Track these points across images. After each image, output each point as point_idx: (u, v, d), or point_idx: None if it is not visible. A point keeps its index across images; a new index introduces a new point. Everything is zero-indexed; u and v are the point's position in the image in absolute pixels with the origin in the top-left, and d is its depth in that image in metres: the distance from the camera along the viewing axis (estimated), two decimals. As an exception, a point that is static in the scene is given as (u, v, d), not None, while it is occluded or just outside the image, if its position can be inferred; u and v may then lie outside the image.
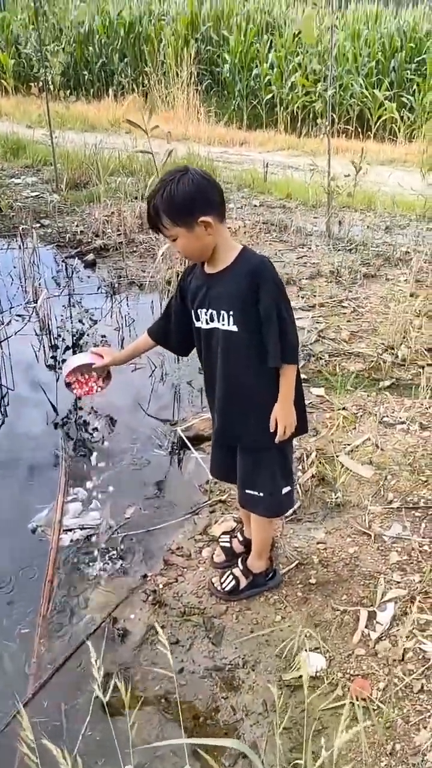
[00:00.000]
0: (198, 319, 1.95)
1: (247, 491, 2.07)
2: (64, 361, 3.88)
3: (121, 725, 1.76)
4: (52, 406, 3.43)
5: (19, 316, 4.47)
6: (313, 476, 2.73)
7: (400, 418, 3.12)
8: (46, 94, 7.29)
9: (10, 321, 4.37)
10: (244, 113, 12.84)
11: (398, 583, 2.19)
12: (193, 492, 2.76)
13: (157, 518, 2.60)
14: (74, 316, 4.55)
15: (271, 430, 1.93)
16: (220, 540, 2.37)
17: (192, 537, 2.48)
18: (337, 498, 2.60)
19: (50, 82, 7.23)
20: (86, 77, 14.55)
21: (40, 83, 7.43)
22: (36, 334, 4.24)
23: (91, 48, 14.54)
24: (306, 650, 1.98)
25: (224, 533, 2.41)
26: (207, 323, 1.93)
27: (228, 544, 2.33)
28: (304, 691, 1.44)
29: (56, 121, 8.20)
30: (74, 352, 3.98)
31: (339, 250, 5.49)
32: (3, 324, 4.29)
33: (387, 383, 3.48)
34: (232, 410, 2.00)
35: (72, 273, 5.27)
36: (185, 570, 2.32)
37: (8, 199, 6.88)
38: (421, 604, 2.09)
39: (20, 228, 5.72)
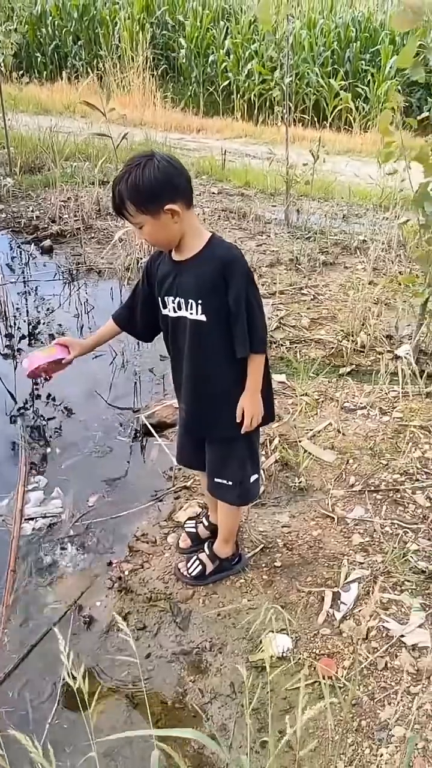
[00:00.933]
0: (165, 307, 1.91)
1: (216, 480, 2.07)
2: (20, 350, 3.82)
3: (87, 713, 1.75)
4: (10, 394, 3.36)
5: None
6: (276, 461, 2.75)
7: (361, 403, 3.17)
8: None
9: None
10: (200, 100, 12.76)
11: (361, 563, 2.23)
12: (157, 478, 2.75)
13: (121, 505, 2.59)
14: (30, 304, 4.47)
15: (238, 420, 1.93)
16: (185, 525, 2.37)
17: (157, 523, 2.48)
18: (300, 482, 2.63)
19: (2, 64, 7.06)
20: (39, 59, 14.22)
21: (-8, 64, 7.22)
22: (-9, 322, 4.15)
23: (44, 30, 14.21)
24: (273, 631, 2.00)
25: (189, 519, 2.41)
26: (174, 311, 1.89)
27: (194, 530, 2.33)
28: (268, 672, 1.46)
29: (8, 104, 7.99)
30: (30, 342, 3.92)
31: (298, 238, 5.51)
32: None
33: (347, 369, 3.52)
34: (201, 400, 1.98)
35: (28, 259, 5.17)
36: (151, 556, 2.31)
37: (-41, 184, 6.69)
38: (384, 583, 2.13)
39: (-28, 213, 5.58)
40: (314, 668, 1.90)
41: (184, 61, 13.33)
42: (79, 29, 14.08)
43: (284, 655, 1.94)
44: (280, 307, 4.22)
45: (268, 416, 2.04)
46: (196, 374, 1.94)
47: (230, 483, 2.05)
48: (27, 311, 4.35)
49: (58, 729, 1.79)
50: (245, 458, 2.05)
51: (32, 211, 6.00)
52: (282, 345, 3.75)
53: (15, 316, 4.23)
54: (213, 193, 6.91)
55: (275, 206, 6.47)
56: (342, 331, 3.88)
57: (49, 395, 3.35)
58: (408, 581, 2.15)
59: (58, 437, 3.02)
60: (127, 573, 2.24)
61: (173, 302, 1.88)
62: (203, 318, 1.84)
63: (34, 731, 1.77)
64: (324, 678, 1.85)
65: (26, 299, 4.53)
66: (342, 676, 1.87)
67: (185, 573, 2.20)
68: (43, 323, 4.16)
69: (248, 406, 1.92)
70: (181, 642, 2.01)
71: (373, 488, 2.61)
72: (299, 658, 1.93)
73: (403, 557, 2.24)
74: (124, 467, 2.83)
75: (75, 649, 1.98)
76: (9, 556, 2.30)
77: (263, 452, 2.81)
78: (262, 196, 6.81)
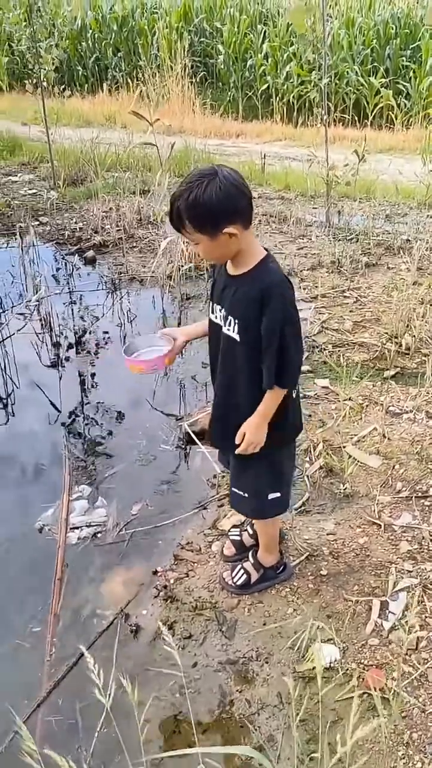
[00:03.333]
0: (212, 312, 1.93)
1: (233, 489, 2.07)
2: (68, 359, 3.88)
3: (134, 722, 1.75)
4: (53, 405, 3.42)
5: (20, 314, 4.45)
6: (320, 468, 2.72)
7: (406, 407, 3.11)
8: (41, 91, 7.25)
9: (9, 320, 4.35)
10: (239, 104, 12.78)
11: (409, 572, 2.19)
12: (201, 486, 2.75)
13: (164, 514, 2.60)
14: (75, 314, 4.54)
15: (236, 441, 1.88)
16: (229, 533, 2.36)
17: (201, 531, 2.48)
18: (345, 489, 2.60)
19: (44, 79, 7.20)
20: (80, 73, 14.48)
21: (34, 80, 7.39)
22: (37, 333, 4.22)
23: (84, 43, 14.47)
24: (319, 641, 1.97)
25: (234, 527, 2.40)
26: (219, 321, 1.89)
27: (238, 538, 2.32)
28: (318, 683, 1.44)
29: (51, 118, 8.16)
30: (77, 350, 3.98)
31: (339, 240, 5.46)
32: (4, 323, 4.29)
33: (392, 373, 3.46)
34: (224, 411, 1.97)
35: (72, 270, 5.26)
36: (195, 565, 2.31)
37: (5, 197, 6.85)
38: (434, 592, 2.08)
39: (18, 226, 5.71)
40: (363, 679, 1.87)
41: (222, 66, 13.39)
42: (118, 41, 14.30)
43: (332, 665, 1.91)
44: (322, 311, 4.18)
45: (298, 426, 2.02)
46: (224, 384, 1.94)
47: (245, 495, 2.04)
48: (72, 321, 4.42)
49: (107, 739, 1.80)
50: (262, 473, 2.00)
51: (75, 222, 6.11)
52: (324, 349, 3.71)
53: (60, 326, 4.30)
54: (253, 197, 6.89)
55: (316, 208, 6.43)
56: (386, 333, 3.82)
57: (94, 403, 3.39)
58: (458, 590, 2.09)
59: (103, 445, 3.05)
60: (172, 582, 2.24)
61: (220, 311, 1.88)
62: (237, 337, 1.83)
63: (83, 742, 1.79)
64: (373, 689, 1.81)
65: (71, 309, 4.60)
66: (391, 688, 1.83)
67: (230, 582, 2.19)
68: (88, 332, 4.22)
69: (251, 433, 1.86)
70: (227, 651, 2.01)
71: (420, 494, 2.55)
72: (347, 669, 1.90)
73: (453, 565, 2.19)
74: (167, 475, 2.84)
75: (122, 657, 2.00)
76: (56, 565, 2.33)
77: (306, 458, 2.78)
78: (303, 199, 6.77)
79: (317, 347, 3.72)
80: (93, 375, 3.70)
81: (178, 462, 2.94)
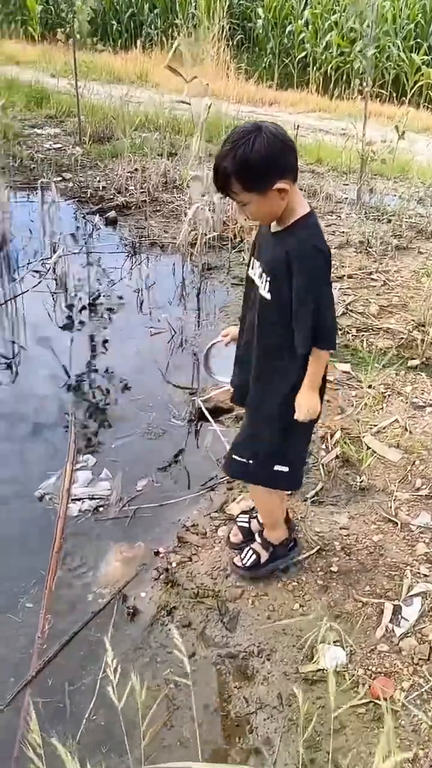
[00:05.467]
0: (252, 267, 1.83)
1: (234, 456, 1.97)
2: (82, 323, 3.75)
3: (126, 710, 1.66)
4: (63, 368, 3.30)
5: (35, 272, 4.31)
6: (337, 457, 2.60)
7: (431, 400, 2.97)
8: (73, 43, 7.01)
9: (23, 277, 4.21)
10: (275, 71, 12.40)
11: (426, 576, 2.07)
12: (211, 466, 2.63)
13: (171, 492, 2.49)
14: (92, 275, 4.40)
15: (296, 416, 1.79)
16: (237, 519, 2.25)
17: (208, 514, 2.37)
18: (361, 482, 2.47)
19: (78, 31, 6.95)
20: (114, 27, 14.08)
21: (67, 30, 7.14)
22: (51, 292, 4.09)
23: (120, -4, 14.05)
24: (326, 643, 1.87)
25: (242, 512, 2.28)
26: (255, 277, 1.81)
27: (246, 524, 2.21)
28: (328, 687, 1.34)
29: (81, 71, 7.91)
30: (90, 314, 3.85)
31: (370, 219, 5.26)
32: (17, 279, 4.15)
33: (417, 362, 3.31)
34: (250, 368, 1.87)
35: (92, 230, 5.10)
36: (200, 549, 2.20)
37: (29, 150, 6.66)
38: (450, 601, 1.97)
39: (40, 181, 5.54)
40: (369, 687, 1.76)
41: (260, 31, 12.98)
42: (156, -3, 13.87)
43: (338, 669, 1.81)
44: (348, 292, 4.02)
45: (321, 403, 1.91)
46: (253, 343, 1.85)
47: (249, 461, 1.94)
48: (88, 283, 4.28)
49: (94, 726, 1.72)
50: (275, 441, 1.90)
51: (99, 181, 5.92)
52: (348, 332, 3.56)
53: (75, 287, 4.16)
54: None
55: (347, 185, 6.21)
56: (413, 320, 3.66)
57: (105, 370, 3.27)
58: None
59: (110, 415, 2.94)
60: (174, 565, 2.14)
61: (258, 267, 1.79)
62: (268, 296, 1.74)
63: (70, 726, 1.70)
64: (380, 699, 1.71)
65: (88, 270, 4.46)
66: (400, 699, 1.73)
67: (239, 565, 2.09)
68: (103, 296, 4.08)
69: (305, 403, 1.78)
70: (228, 644, 1.91)
71: (441, 494, 2.43)
72: (354, 675, 1.80)
73: (471, 571, 2.07)
74: (177, 451, 2.72)
75: (116, 640, 1.90)
76: (54, 537, 2.23)
77: (323, 446, 2.66)
78: (334, 174, 6.55)
79: (340, 330, 3.56)
80: (105, 341, 3.57)
81: (188, 438, 2.82)
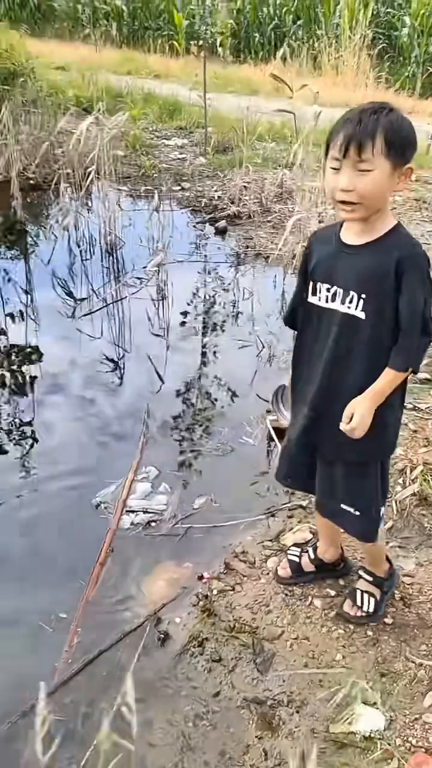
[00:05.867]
0: (315, 294, 1.66)
1: (342, 506, 1.77)
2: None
3: (138, 743, 1.57)
4: (153, 375, 3.28)
5: (137, 278, 4.36)
6: (414, 494, 2.36)
7: None
8: (204, 55, 7.10)
9: (123, 283, 4.27)
10: (418, 80, 11.92)
11: None
12: (275, 490, 2.48)
13: (228, 514, 2.37)
14: (192, 285, 4.38)
15: (345, 423, 1.58)
16: (288, 552, 2.09)
17: (262, 542, 2.22)
18: (437, 524, 2.23)
19: (219, 44, 7.04)
20: (257, 39, 14.19)
21: (200, 43, 7.25)
22: (152, 299, 4.11)
23: (265, 9, 14.13)
24: (365, 703, 1.67)
25: (295, 545, 2.12)
26: (327, 301, 1.63)
27: (296, 559, 2.05)
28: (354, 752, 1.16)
29: (218, 83, 8.02)
30: (182, 323, 3.82)
31: None
32: (119, 285, 4.22)
33: None
34: (335, 411, 1.64)
35: (200, 239, 5.10)
36: (245, 579, 2.07)
37: (154, 159, 6.81)
38: None
39: (158, 190, 5.64)
40: (405, 761, 1.55)
41: (405, 39, 12.54)
42: (300, 8, 13.81)
43: (372, 735, 1.61)
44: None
45: (391, 445, 1.71)
46: (336, 379, 1.65)
47: (357, 512, 1.75)
48: (187, 292, 4.26)
49: (100, 756, 1.63)
50: (378, 484, 1.75)
51: (215, 190, 5.93)
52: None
53: (174, 296, 4.15)
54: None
55: None
56: None
57: (186, 381, 3.22)
58: None
59: (183, 427, 2.87)
60: (215, 593, 2.02)
61: (328, 290, 1.63)
62: (361, 315, 1.57)
63: (77, 750, 1.63)
64: (415, 779, 1.49)
65: (189, 280, 4.44)
66: (438, 783, 1.50)
67: (358, 614, 1.90)
68: (200, 306, 4.05)
69: (362, 414, 1.57)
70: (257, 687, 1.76)
71: None
72: (389, 744, 1.59)
73: None
74: (242, 472, 2.59)
75: (142, 665, 1.82)
76: (101, 548, 2.19)
77: (400, 480, 2.43)
78: (465, 189, 6.13)
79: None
80: (193, 352, 3.52)
81: (257, 459, 2.68)
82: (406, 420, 2.75)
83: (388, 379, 1.58)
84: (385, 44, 13.09)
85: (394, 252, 1.52)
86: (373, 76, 11.29)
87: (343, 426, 1.59)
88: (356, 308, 1.57)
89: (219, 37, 6.60)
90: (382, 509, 1.79)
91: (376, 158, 1.44)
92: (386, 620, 1.90)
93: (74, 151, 5.36)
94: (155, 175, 6.38)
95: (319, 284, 1.64)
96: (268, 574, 2.08)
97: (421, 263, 1.55)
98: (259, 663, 1.81)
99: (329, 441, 1.70)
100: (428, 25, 12.28)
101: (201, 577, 2.09)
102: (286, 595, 1.99)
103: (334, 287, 1.61)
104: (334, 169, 1.49)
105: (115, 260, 4.74)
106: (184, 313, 3.94)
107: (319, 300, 1.65)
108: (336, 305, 1.61)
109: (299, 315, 1.74)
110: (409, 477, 2.43)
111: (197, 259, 4.77)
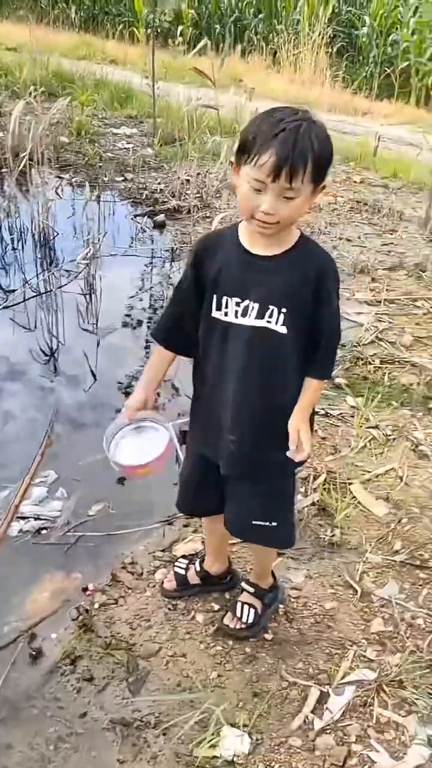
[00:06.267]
0: (220, 308, 1.52)
1: (255, 523, 1.68)
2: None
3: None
4: (56, 374, 3.18)
5: (67, 271, 4.24)
6: (313, 504, 2.33)
7: (440, 449, 2.64)
8: (152, 42, 6.99)
9: (50, 276, 4.15)
10: (374, 81, 11.98)
11: (370, 661, 1.78)
12: (175, 497, 2.41)
13: (124, 521, 2.30)
14: (124, 279, 4.28)
15: (292, 445, 1.51)
16: (175, 564, 2.03)
17: (153, 552, 2.16)
18: (332, 535, 2.20)
19: (179, 33, 6.92)
20: (217, 31, 14.06)
21: (149, 31, 7.13)
22: (81, 293, 4.00)
23: (226, 0, 14.01)
24: (233, 725, 1.62)
25: (183, 557, 2.06)
26: (236, 316, 1.50)
27: (182, 572, 1.99)
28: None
29: (171, 74, 7.90)
30: (101, 319, 3.72)
31: (432, 241, 4.88)
32: (47, 278, 4.10)
33: (440, 404, 2.97)
34: (259, 430, 1.57)
35: (138, 233, 4.99)
36: (130, 592, 2.00)
37: (100, 148, 6.67)
38: (388, 697, 1.67)
39: (100, 180, 5.53)
40: (267, 787, 1.51)
41: (365, 39, 12.58)
42: (261, 1, 13.73)
43: (234, 759, 1.56)
44: (383, 318, 3.70)
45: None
46: (257, 396, 1.54)
47: (274, 524, 1.68)
48: (119, 286, 4.15)
49: None
50: (293, 492, 1.72)
51: (158, 183, 5.83)
52: (371, 363, 3.25)
53: (100, 290, 4.04)
54: (354, 181, 6.36)
55: (420, 202, 5.81)
56: (448, 356, 3.30)
57: (98, 381, 3.13)
58: (421, 702, 1.67)
59: (90, 428, 2.78)
60: (96, 607, 1.94)
61: (238, 305, 1.50)
62: (283, 330, 1.48)
63: None
64: (271, 807, 1.45)
65: (118, 274, 4.34)
66: (296, 811, 1.46)
67: (237, 626, 1.84)
68: (130, 299, 3.96)
69: (306, 430, 1.54)
70: (126, 708, 1.69)
71: (419, 562, 2.11)
72: (252, 769, 1.55)
73: (427, 668, 1.76)
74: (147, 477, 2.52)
75: (10, 684, 1.74)
76: (-15, 557, 2.10)
77: (302, 489, 2.39)
78: (408, 191, 6.16)
79: (362, 359, 3.26)
80: (108, 349, 3.43)
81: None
82: (317, 426, 2.72)
83: (315, 390, 1.56)
84: (344, 43, 13.13)
85: (312, 263, 1.48)
86: (330, 74, 11.29)
87: (291, 451, 1.52)
88: (277, 323, 1.48)
89: (167, 25, 6.45)
90: (296, 508, 1.75)
91: (304, 185, 1.35)
92: (266, 636, 1.85)
93: (9, 135, 5.20)
94: (99, 164, 6.24)
95: (226, 298, 1.51)
96: (154, 586, 2.01)
97: (337, 274, 1.53)
98: (131, 682, 1.75)
99: (254, 464, 1.62)
100: (387, 25, 12.33)
101: (85, 590, 2.02)
102: (170, 609, 1.93)
103: (247, 301, 1.49)
104: (256, 190, 1.36)
105: (47, 251, 4.60)
106: (112, 308, 3.84)
107: (227, 315, 1.51)
108: (249, 320, 1.49)
109: (202, 331, 1.57)
110: (311, 486, 2.40)
111: (132, 253, 4.67)
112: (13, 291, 3.97)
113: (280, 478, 1.67)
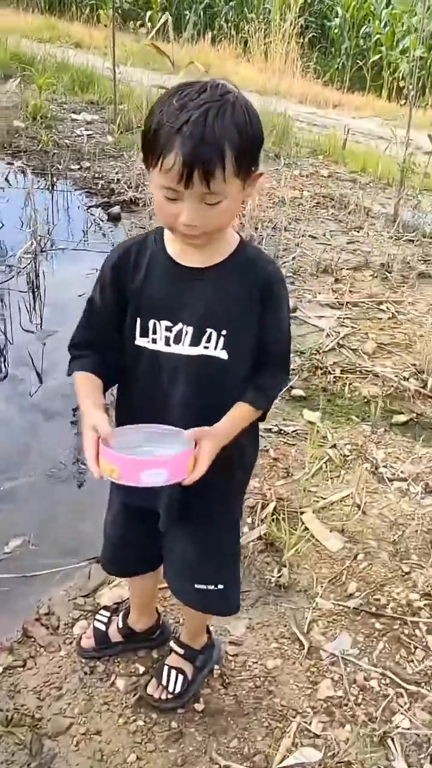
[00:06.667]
0: (146, 334, 1.25)
1: (197, 586, 1.42)
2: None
3: None
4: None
5: (8, 266, 3.92)
6: (260, 537, 2.07)
7: (401, 472, 2.40)
8: (112, 24, 6.66)
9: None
10: (346, 73, 11.75)
11: (316, 737, 1.53)
12: (105, 530, 2.14)
13: (47, 559, 2.01)
14: (71, 275, 3.97)
15: (189, 478, 1.16)
16: (96, 617, 1.75)
17: (74, 599, 1.88)
18: (280, 576, 1.94)
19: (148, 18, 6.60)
20: (187, 17, 13.68)
21: (110, 12, 6.80)
22: (24, 290, 3.69)
23: (197, -14, 13.67)
24: None
25: (105, 608, 1.78)
26: (166, 344, 1.23)
27: (103, 627, 1.70)
28: None
29: (138, 59, 7.57)
30: (42, 321, 3.42)
31: (403, 240, 4.65)
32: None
33: (403, 419, 2.74)
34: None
35: (90, 225, 4.68)
36: (42, 651, 1.72)
37: (57, 134, 6.32)
38: (334, 786, 1.43)
39: (53, 167, 5.21)
40: None
41: (336, 30, 12.34)
42: (233, -12, 13.42)
43: None
44: (345, 323, 3.46)
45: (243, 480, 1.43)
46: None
47: (219, 587, 1.42)
48: (65, 282, 3.84)
49: None
50: (236, 546, 1.47)
51: (116, 173, 5.51)
52: (331, 372, 3.00)
53: (41, 289, 3.73)
54: (322, 175, 6.12)
55: (389, 199, 5.59)
56: (413, 365, 3.07)
57: (32, 391, 2.84)
58: (372, 790, 1.43)
59: (17, 444, 2.49)
60: (0, 670, 1.66)
61: (169, 330, 1.23)
62: (224, 355, 1.22)
63: None
64: None
65: (69, 269, 4.03)
66: None
67: (163, 696, 1.57)
68: (79, 297, 3.65)
69: (210, 458, 1.18)
70: (24, 801, 1.42)
71: (375, 609, 1.87)
72: None
73: (380, 741, 1.52)
74: (82, 504, 2.24)
75: None
76: None
77: (249, 520, 2.14)
78: (377, 186, 5.94)
79: (321, 368, 3.01)
80: (49, 351, 3.13)
81: (93, 491, 2.32)
82: (267, 445, 2.47)
83: (241, 417, 1.27)
84: (317, 33, 12.89)
85: (255, 275, 1.23)
86: (302, 65, 11.03)
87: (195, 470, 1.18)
88: (216, 348, 1.22)
89: (128, 6, 6.14)
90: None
91: (228, 184, 1.08)
92: (197, 706, 1.59)
93: None
94: (54, 151, 5.89)
95: (153, 322, 1.24)
96: (71, 642, 1.73)
97: (284, 288, 1.29)
98: None
99: (199, 503, 1.31)
100: (359, 17, 12.12)
101: (-8, 645, 1.74)
102: (86, 673, 1.66)
103: (179, 325, 1.22)
104: (170, 198, 1.10)
105: (-10, 244, 4.27)
106: (58, 307, 3.54)
107: (155, 343, 1.24)
108: (183, 348, 1.23)
109: (129, 360, 1.28)
110: (259, 516, 2.14)
111: (83, 247, 4.36)
112: None
113: (226, 527, 1.42)
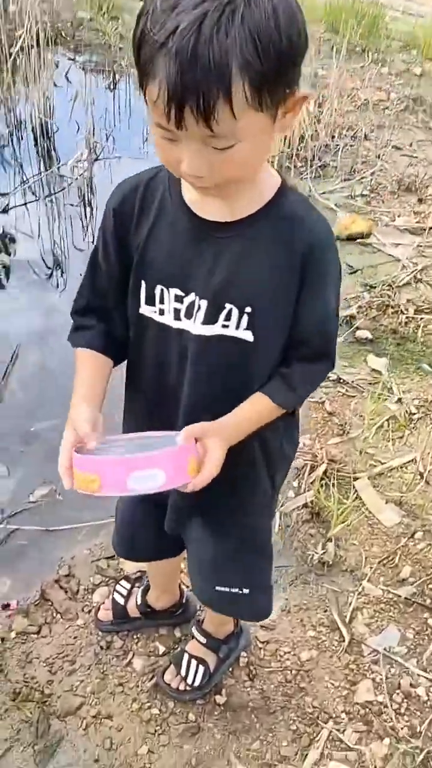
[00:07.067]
0: (152, 302, 0.98)
1: (219, 588, 1.23)
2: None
3: None
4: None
5: (60, 176, 3.66)
6: (305, 505, 1.86)
7: None
8: None
9: (35, 182, 3.59)
10: None
11: (347, 750, 1.37)
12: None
13: (72, 513, 1.87)
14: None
15: (193, 482, 0.91)
16: (116, 588, 1.61)
17: (97, 560, 1.74)
18: (324, 552, 1.74)
19: None
20: None
21: None
22: (72, 204, 3.44)
23: None
24: None
25: (125, 578, 1.63)
26: (176, 317, 0.97)
27: (122, 602, 1.56)
28: None
29: None
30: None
31: None
32: (33, 183, 3.54)
33: None
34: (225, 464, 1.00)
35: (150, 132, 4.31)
36: (58, 617, 1.60)
37: (122, 28, 5.82)
38: None
39: (115, 65, 4.82)
40: None
41: None
42: None
43: None
44: (426, 253, 3.06)
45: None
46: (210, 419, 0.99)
47: (245, 591, 1.23)
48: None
49: None
50: (268, 547, 1.25)
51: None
52: (404, 312, 2.67)
53: (97, 204, 3.48)
54: (415, 74, 5.43)
55: None
56: None
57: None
58: None
59: (54, 381, 2.33)
60: (13, 636, 1.56)
61: (180, 300, 0.96)
62: (247, 337, 0.95)
63: None
64: None
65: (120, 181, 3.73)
66: None
67: (180, 687, 1.43)
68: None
69: (218, 454, 0.93)
70: (26, 787, 1.33)
71: (430, 602, 1.65)
72: None
73: (422, 762, 1.34)
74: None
75: None
76: None
77: (294, 483, 1.92)
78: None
79: (393, 307, 2.68)
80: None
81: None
82: (323, 396, 2.21)
83: (260, 413, 1.01)
84: None
85: (296, 236, 0.92)
86: None
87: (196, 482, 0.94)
88: (238, 327, 0.95)
89: None
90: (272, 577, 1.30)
91: (242, 120, 0.73)
92: (218, 698, 1.45)
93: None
94: (119, 45, 5.44)
95: (161, 288, 0.97)
96: (89, 611, 1.61)
97: (336, 258, 0.97)
98: (38, 751, 1.38)
99: (218, 506, 1.12)
100: None
101: (6, 606, 1.63)
102: (102, 647, 1.53)
103: (192, 296, 0.95)
104: (168, 138, 0.78)
105: (45, 148, 4.01)
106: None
107: (162, 314, 0.98)
108: (194, 326, 0.96)
109: (131, 330, 1.04)
110: (306, 480, 1.93)
111: (141, 155, 4.03)
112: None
113: (253, 528, 1.20)
